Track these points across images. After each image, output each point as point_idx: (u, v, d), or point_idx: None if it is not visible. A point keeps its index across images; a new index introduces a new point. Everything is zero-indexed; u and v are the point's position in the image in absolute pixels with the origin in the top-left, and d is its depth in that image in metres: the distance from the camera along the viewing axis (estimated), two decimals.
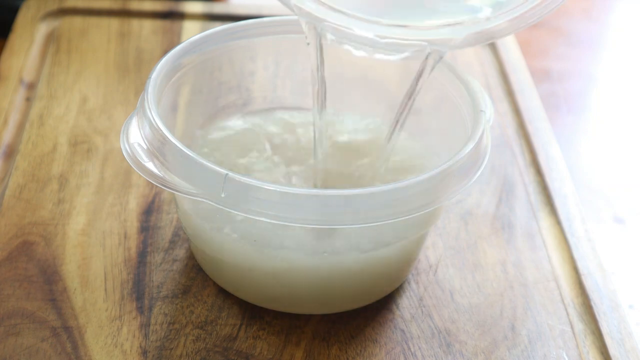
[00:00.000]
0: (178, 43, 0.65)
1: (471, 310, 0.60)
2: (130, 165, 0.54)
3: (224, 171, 0.52)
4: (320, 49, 0.56)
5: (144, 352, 0.55)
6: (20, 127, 0.71)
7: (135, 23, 0.84)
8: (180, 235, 0.63)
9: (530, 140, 0.74)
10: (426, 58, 0.56)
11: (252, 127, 0.63)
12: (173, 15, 0.86)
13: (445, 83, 0.63)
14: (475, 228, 0.66)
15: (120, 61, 0.79)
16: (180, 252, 0.62)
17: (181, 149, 0.53)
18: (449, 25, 0.54)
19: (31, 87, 0.76)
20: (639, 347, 0.59)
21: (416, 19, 0.55)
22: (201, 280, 0.60)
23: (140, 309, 0.58)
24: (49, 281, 0.59)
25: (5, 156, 0.69)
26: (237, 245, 0.55)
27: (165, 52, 0.67)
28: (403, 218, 0.53)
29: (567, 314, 0.60)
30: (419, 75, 0.56)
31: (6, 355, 0.54)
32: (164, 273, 0.60)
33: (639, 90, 0.95)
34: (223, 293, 0.60)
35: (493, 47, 0.86)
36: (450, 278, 0.62)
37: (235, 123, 0.64)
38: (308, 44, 0.56)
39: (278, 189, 0.51)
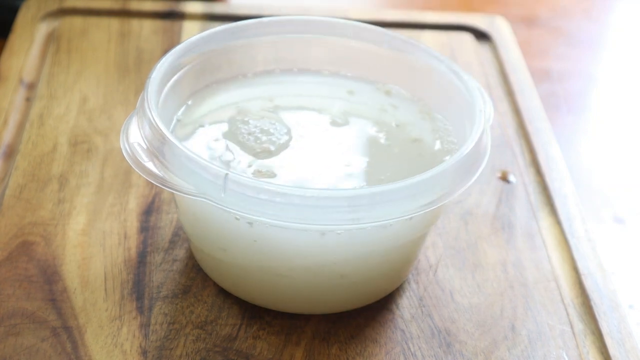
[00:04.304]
0: (178, 43, 0.65)
1: (471, 310, 0.60)
2: (130, 165, 0.54)
3: (224, 171, 0.52)
4: None
5: (144, 352, 0.55)
6: (20, 127, 0.71)
7: (135, 23, 0.84)
8: (180, 235, 0.63)
9: (530, 140, 0.74)
10: None
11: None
12: (173, 15, 0.86)
13: (445, 82, 0.63)
14: (475, 228, 0.66)
15: (120, 61, 0.79)
16: (180, 252, 0.62)
17: (181, 149, 0.53)
18: None
19: (31, 87, 0.76)
20: (639, 347, 0.59)
21: None
22: (201, 280, 0.60)
23: (140, 309, 0.58)
24: (49, 281, 0.59)
25: (5, 156, 0.69)
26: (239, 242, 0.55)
27: (165, 52, 0.67)
28: (403, 218, 0.53)
29: (567, 314, 0.60)
30: None
31: (6, 355, 0.54)
32: (164, 273, 0.60)
33: (639, 90, 0.95)
34: (223, 293, 0.60)
35: (493, 47, 0.86)
36: (450, 278, 0.62)
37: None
38: None
39: (278, 189, 0.51)
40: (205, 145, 0.60)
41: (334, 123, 0.63)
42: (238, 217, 0.53)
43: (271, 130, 0.61)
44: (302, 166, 0.59)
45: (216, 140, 0.60)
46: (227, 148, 0.60)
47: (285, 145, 0.60)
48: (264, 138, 0.60)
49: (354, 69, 0.67)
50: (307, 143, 0.61)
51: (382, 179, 0.58)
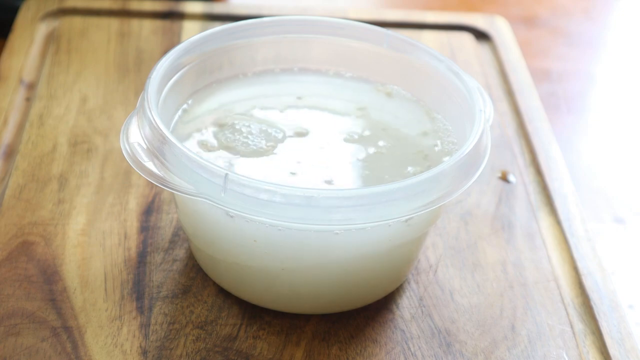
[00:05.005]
0: (178, 43, 0.65)
1: (471, 310, 0.60)
2: (130, 165, 0.54)
3: (224, 171, 0.52)
4: None
5: (144, 352, 0.55)
6: (20, 127, 0.71)
7: (135, 23, 0.84)
8: (180, 235, 0.63)
9: (530, 140, 0.74)
10: None
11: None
12: (173, 15, 0.86)
13: (445, 82, 0.63)
14: (475, 228, 0.66)
15: (120, 61, 0.79)
16: (180, 252, 0.62)
17: (181, 149, 0.53)
18: None
19: (31, 87, 0.76)
20: (639, 347, 0.59)
21: None
22: (201, 280, 0.60)
23: (140, 309, 0.58)
24: (49, 281, 0.59)
25: (5, 156, 0.69)
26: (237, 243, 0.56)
27: (165, 52, 0.67)
28: (402, 218, 0.53)
29: (567, 314, 0.60)
30: None
31: (6, 355, 0.54)
32: (164, 273, 0.60)
33: (639, 90, 0.95)
34: (223, 293, 0.60)
35: (493, 47, 0.86)
36: (450, 278, 0.62)
37: None
38: None
39: (278, 189, 0.51)
40: (202, 144, 0.60)
41: (332, 123, 0.63)
42: (232, 214, 0.53)
43: (268, 130, 0.61)
44: (292, 166, 0.59)
45: (211, 139, 0.60)
46: (216, 145, 0.60)
47: (278, 146, 0.60)
48: (258, 138, 0.60)
49: (354, 69, 0.67)
50: (303, 143, 0.61)
51: (381, 180, 0.58)
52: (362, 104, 0.65)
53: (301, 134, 0.62)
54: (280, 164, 0.59)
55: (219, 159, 0.59)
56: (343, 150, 0.61)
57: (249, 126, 0.61)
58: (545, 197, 0.69)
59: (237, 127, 0.61)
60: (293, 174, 0.58)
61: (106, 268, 0.60)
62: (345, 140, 0.62)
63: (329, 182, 0.57)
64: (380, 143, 0.62)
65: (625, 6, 1.11)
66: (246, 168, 0.58)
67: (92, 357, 0.55)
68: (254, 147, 0.60)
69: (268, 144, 0.60)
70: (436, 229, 0.65)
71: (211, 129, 0.61)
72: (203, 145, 0.60)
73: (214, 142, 0.60)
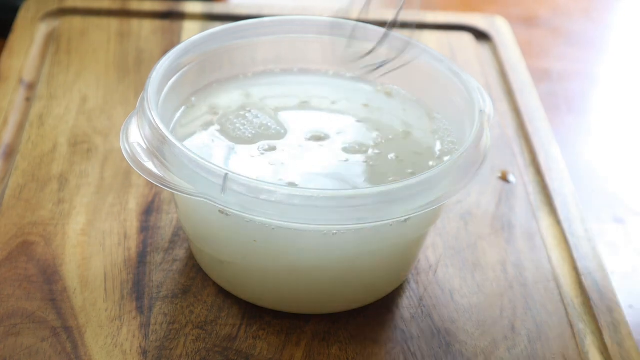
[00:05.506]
0: (178, 43, 0.65)
1: (471, 310, 0.60)
2: (130, 165, 0.54)
3: (223, 171, 0.52)
4: None
5: (144, 352, 0.55)
6: (20, 127, 0.71)
7: (135, 23, 0.84)
8: (180, 235, 0.63)
9: (530, 140, 0.74)
10: None
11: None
12: (173, 15, 0.86)
13: (445, 82, 0.63)
14: (475, 228, 0.66)
15: (120, 61, 0.79)
16: (180, 252, 0.62)
17: (181, 149, 0.53)
18: None
19: (31, 87, 0.76)
20: (639, 347, 0.59)
21: None
22: (201, 280, 0.60)
23: (140, 309, 0.58)
24: (49, 281, 0.59)
25: (5, 156, 0.69)
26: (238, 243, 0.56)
27: (165, 52, 0.67)
28: (402, 218, 0.53)
29: (567, 314, 0.60)
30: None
31: (6, 355, 0.54)
32: (164, 273, 0.60)
33: (639, 90, 0.95)
34: (223, 293, 0.60)
35: (493, 47, 0.86)
36: (450, 278, 0.62)
37: None
38: None
39: (278, 189, 0.51)
40: (204, 145, 0.60)
41: (332, 123, 0.63)
42: (229, 213, 0.53)
43: (268, 125, 0.61)
44: (293, 165, 0.59)
45: (213, 139, 0.60)
46: (219, 144, 0.60)
47: (276, 145, 0.60)
48: (250, 128, 0.60)
49: (353, 69, 0.67)
50: (301, 143, 0.61)
51: (381, 180, 0.58)
52: (361, 103, 0.65)
53: (318, 137, 0.62)
54: (259, 159, 0.59)
55: (210, 133, 0.60)
56: (339, 153, 0.61)
57: (256, 116, 0.61)
58: (545, 197, 0.69)
59: (242, 112, 0.62)
60: (344, 165, 0.59)
61: (106, 268, 0.60)
62: (344, 148, 0.61)
63: (293, 184, 0.57)
64: (380, 142, 0.62)
65: (625, 6, 1.11)
66: (222, 149, 0.59)
67: (92, 357, 0.55)
68: (240, 134, 0.60)
69: (260, 140, 0.60)
70: (436, 229, 0.65)
71: (234, 106, 0.62)
72: (212, 108, 0.62)
73: (220, 114, 0.62)
